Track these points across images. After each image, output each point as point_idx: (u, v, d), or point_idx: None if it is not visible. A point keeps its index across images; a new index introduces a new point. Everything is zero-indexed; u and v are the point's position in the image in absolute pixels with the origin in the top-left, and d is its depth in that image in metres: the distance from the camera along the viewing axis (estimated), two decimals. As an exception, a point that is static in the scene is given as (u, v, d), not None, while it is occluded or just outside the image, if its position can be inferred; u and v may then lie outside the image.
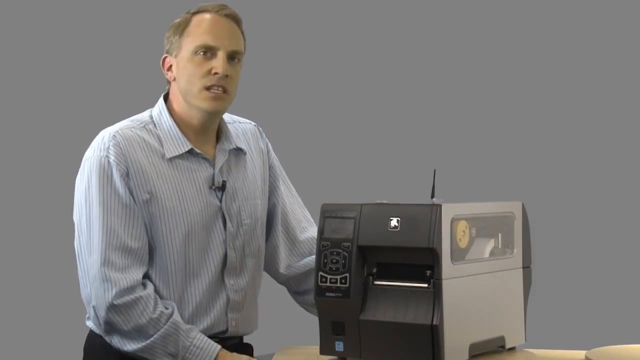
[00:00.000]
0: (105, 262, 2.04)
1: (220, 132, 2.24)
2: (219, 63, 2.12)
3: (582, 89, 3.72)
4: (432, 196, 1.95)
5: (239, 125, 2.32)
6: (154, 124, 2.18)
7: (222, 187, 2.19)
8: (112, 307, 2.03)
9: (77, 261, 2.14)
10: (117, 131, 2.13)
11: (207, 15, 2.15)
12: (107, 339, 2.09)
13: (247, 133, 2.32)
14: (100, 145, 2.11)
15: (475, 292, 1.97)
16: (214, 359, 2.05)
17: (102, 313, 2.04)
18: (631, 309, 3.52)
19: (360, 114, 3.76)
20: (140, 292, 2.05)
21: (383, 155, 3.71)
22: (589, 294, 3.55)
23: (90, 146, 2.15)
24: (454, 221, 1.90)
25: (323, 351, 1.99)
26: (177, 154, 2.15)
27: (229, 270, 2.20)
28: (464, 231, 1.96)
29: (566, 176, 3.64)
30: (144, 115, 2.21)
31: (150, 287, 2.08)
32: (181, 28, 2.16)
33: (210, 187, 2.18)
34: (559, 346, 2.25)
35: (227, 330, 2.21)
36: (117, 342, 2.07)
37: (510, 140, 3.70)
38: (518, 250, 2.08)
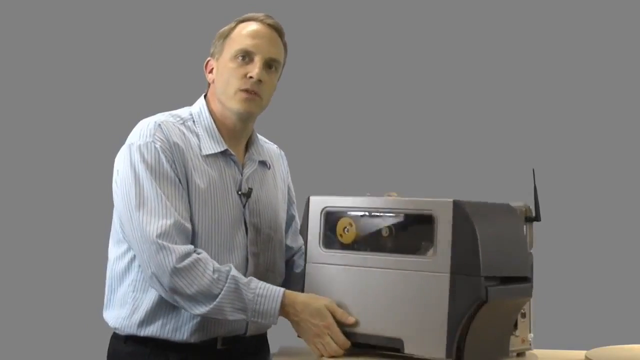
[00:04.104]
0: (161, 235, 2.06)
1: (250, 142, 2.33)
2: (254, 68, 2.20)
3: (594, 90, 3.73)
4: (536, 200, 2.12)
5: (265, 144, 2.41)
6: (193, 121, 2.25)
7: (248, 194, 2.25)
8: (175, 271, 2.05)
9: (112, 239, 2.23)
10: (162, 122, 2.19)
11: (251, 23, 2.25)
12: (173, 302, 2.11)
13: (271, 153, 2.42)
14: (146, 132, 2.16)
15: (356, 283, 2.07)
16: (280, 302, 2.07)
17: (165, 279, 2.06)
18: (631, 309, 3.53)
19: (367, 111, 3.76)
20: (197, 255, 2.08)
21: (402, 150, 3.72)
22: (589, 294, 3.55)
23: (133, 133, 2.19)
24: (333, 215, 2.14)
25: None
26: (214, 151, 2.22)
27: (251, 275, 2.23)
28: (346, 228, 2.12)
29: (565, 177, 3.64)
30: (184, 111, 2.28)
31: (204, 252, 2.11)
32: (226, 34, 2.26)
33: (237, 192, 2.24)
34: (559, 346, 2.25)
35: (246, 332, 2.25)
36: (184, 306, 2.09)
37: (516, 140, 3.71)
38: (442, 253, 1.96)
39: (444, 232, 1.97)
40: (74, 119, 3.78)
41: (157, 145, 2.14)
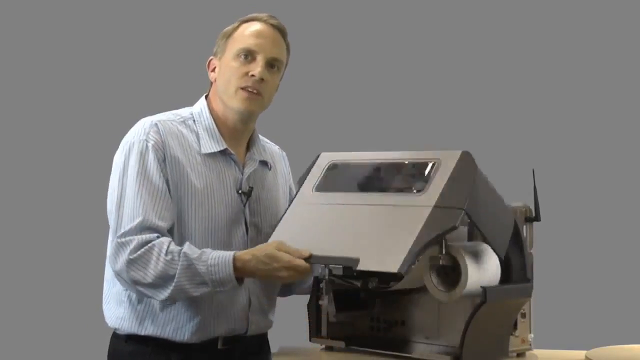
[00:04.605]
0: (124, 233, 2.09)
1: (251, 142, 2.33)
2: (256, 67, 2.21)
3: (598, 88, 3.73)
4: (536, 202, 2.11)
5: (266, 145, 2.41)
6: (194, 121, 2.26)
7: (248, 194, 2.25)
8: (129, 263, 2.06)
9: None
10: (159, 120, 2.20)
11: (255, 23, 2.26)
12: (139, 294, 2.12)
13: (273, 153, 2.42)
14: (141, 131, 2.18)
15: (335, 219, 2.11)
16: (232, 267, 2.06)
17: (124, 274, 2.08)
18: (631, 309, 3.53)
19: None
20: (154, 241, 2.08)
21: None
22: (589, 294, 3.55)
23: (130, 131, 2.21)
24: (337, 167, 2.24)
25: None
26: (213, 151, 2.23)
27: None
28: None
29: (565, 177, 3.64)
30: (184, 111, 2.29)
31: (166, 237, 2.11)
32: (229, 33, 2.27)
33: (237, 191, 2.24)
34: (559, 346, 2.25)
35: (246, 332, 2.25)
36: (148, 294, 2.10)
37: (516, 140, 3.71)
38: (433, 190, 2.00)
39: (443, 173, 2.01)
40: (75, 118, 3.78)
41: (150, 144, 2.15)
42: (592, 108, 3.74)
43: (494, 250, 2.01)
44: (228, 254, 2.07)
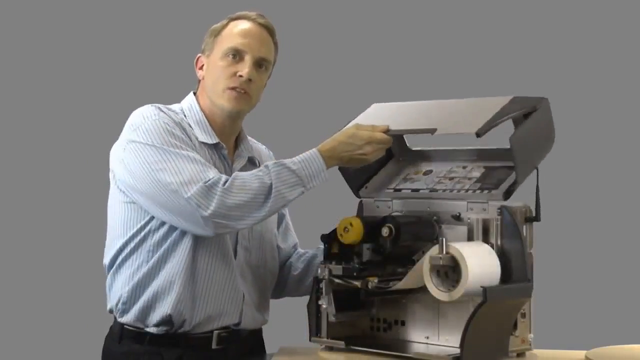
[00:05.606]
0: (208, 180, 2.07)
1: (239, 139, 2.34)
2: (244, 67, 2.22)
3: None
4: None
5: (254, 144, 2.43)
6: (184, 115, 2.27)
7: None
8: (225, 192, 2.07)
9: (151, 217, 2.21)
10: (158, 106, 2.22)
11: (243, 22, 2.27)
12: (244, 223, 2.11)
13: (260, 152, 2.43)
14: (148, 114, 2.19)
15: (414, 108, 2.28)
16: (321, 156, 2.14)
17: (222, 207, 2.06)
18: (631, 309, 3.53)
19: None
20: (236, 172, 2.13)
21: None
22: (589, 294, 3.55)
23: (134, 119, 2.19)
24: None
25: None
26: (207, 142, 2.24)
27: (242, 268, 2.27)
28: (346, 227, 2.12)
29: (565, 176, 3.64)
30: (173, 106, 2.30)
31: None
32: (217, 31, 2.28)
33: None
34: (559, 346, 2.25)
35: (239, 323, 2.26)
36: (254, 215, 2.10)
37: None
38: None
39: None
40: (60, 117, 3.78)
41: (166, 120, 2.17)
42: (592, 108, 3.74)
43: (516, 168, 2.09)
44: (311, 151, 2.15)
